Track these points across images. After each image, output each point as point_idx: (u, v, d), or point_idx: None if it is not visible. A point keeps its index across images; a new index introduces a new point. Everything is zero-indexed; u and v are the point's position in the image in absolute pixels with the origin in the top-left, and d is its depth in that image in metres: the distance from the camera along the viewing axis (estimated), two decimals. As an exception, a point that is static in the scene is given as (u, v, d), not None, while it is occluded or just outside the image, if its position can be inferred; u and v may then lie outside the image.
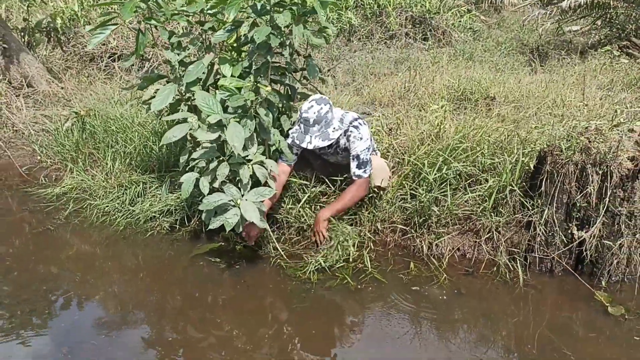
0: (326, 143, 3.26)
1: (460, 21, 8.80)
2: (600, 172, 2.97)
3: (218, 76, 3.51)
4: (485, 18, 9.72)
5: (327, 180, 3.62)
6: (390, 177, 3.55)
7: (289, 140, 3.42)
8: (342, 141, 3.43)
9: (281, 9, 3.19)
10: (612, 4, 7.72)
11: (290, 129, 3.50)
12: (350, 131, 3.35)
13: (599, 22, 8.28)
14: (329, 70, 6.58)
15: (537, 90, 5.23)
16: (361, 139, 3.32)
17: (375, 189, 3.52)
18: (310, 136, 3.26)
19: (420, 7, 8.52)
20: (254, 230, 3.38)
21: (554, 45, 8.23)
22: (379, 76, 6.31)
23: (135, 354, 2.66)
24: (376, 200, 3.57)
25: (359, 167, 3.33)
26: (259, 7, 3.21)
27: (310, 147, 3.26)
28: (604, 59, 6.80)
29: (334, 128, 3.28)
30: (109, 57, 6.49)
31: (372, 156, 3.43)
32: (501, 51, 7.79)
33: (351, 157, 3.35)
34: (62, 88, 5.71)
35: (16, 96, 5.51)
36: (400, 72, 6.33)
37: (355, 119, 3.38)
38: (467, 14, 9.03)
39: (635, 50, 7.28)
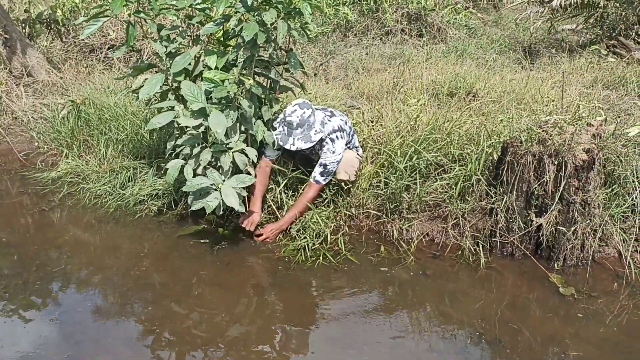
0: (308, 145, 3.49)
1: (456, 18, 8.96)
2: (556, 162, 3.16)
3: (204, 67, 3.70)
4: (482, 15, 9.87)
5: (304, 169, 3.82)
6: (356, 172, 3.74)
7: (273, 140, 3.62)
8: (318, 146, 3.65)
9: (267, 7, 3.39)
10: (602, 3, 7.87)
11: (270, 119, 3.70)
12: (326, 142, 3.56)
13: (591, 21, 8.43)
14: (321, 64, 6.76)
15: (517, 86, 5.42)
16: (333, 152, 3.54)
17: (341, 182, 3.73)
18: (294, 138, 3.48)
19: (417, 4, 8.66)
20: (248, 217, 3.59)
21: (547, 44, 8.39)
22: (370, 71, 6.48)
23: (118, 322, 2.89)
24: (351, 187, 3.77)
25: (322, 174, 3.56)
26: (249, 3, 3.41)
27: (293, 148, 3.49)
28: (591, 58, 6.97)
29: (316, 131, 3.49)
30: (108, 48, 6.70)
31: (345, 152, 3.64)
32: (494, 48, 7.95)
33: (318, 163, 3.58)
34: (61, 78, 5.93)
35: (16, 85, 5.73)
36: (392, 67, 6.49)
37: (335, 131, 3.57)
38: (463, 11, 9.19)
39: (623, 49, 7.43)
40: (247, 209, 3.62)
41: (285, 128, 3.51)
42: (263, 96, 3.71)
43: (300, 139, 3.48)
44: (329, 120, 3.61)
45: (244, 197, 3.52)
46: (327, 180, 3.60)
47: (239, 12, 3.44)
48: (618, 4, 7.88)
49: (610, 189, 3.40)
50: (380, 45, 7.82)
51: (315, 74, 6.23)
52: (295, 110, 3.47)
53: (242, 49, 3.51)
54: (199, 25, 3.70)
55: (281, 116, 3.59)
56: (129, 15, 3.50)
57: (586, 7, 8.06)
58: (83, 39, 6.65)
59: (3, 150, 5.23)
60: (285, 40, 3.75)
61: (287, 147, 3.51)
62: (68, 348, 2.68)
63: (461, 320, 2.93)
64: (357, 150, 3.86)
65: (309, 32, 3.71)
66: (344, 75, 6.41)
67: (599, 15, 8.09)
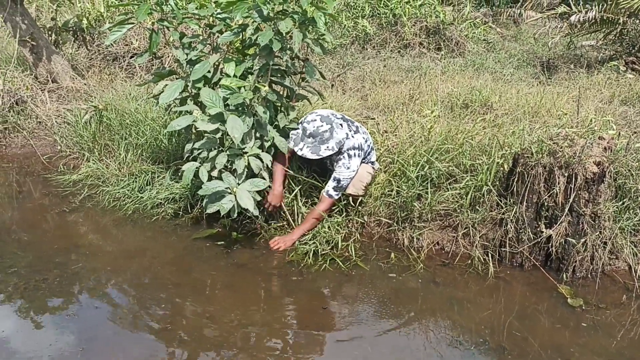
0: (314, 157, 3.54)
1: (474, 32, 9.00)
2: (566, 174, 3.19)
3: (222, 75, 3.80)
4: (501, 30, 9.89)
5: (318, 178, 3.88)
6: (365, 187, 3.77)
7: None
8: (334, 157, 3.70)
9: (283, 17, 3.49)
10: (622, 20, 7.86)
11: (286, 126, 3.77)
12: (344, 157, 3.61)
13: (610, 38, 8.42)
14: (338, 75, 6.85)
15: (533, 100, 5.44)
16: (348, 168, 3.60)
17: (349, 197, 3.77)
18: (304, 145, 3.55)
19: (435, 17, 8.72)
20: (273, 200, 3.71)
21: (566, 59, 8.39)
22: (387, 83, 6.54)
23: (132, 321, 2.96)
24: (362, 197, 3.83)
25: (335, 188, 3.62)
26: (264, 13, 3.52)
27: (300, 153, 3.57)
28: (610, 74, 6.96)
29: (327, 147, 3.52)
30: (131, 56, 6.86)
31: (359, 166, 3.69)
32: (511, 63, 7.97)
33: (332, 177, 3.63)
34: (84, 84, 6.08)
35: (41, 90, 5.89)
36: (409, 80, 6.54)
37: (354, 148, 3.60)
38: (482, 26, 9.23)
39: (642, 65, 7.42)
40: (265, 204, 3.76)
41: (300, 132, 3.58)
42: (279, 104, 3.80)
43: (309, 148, 3.54)
44: (353, 137, 3.63)
45: (259, 200, 3.60)
46: (339, 195, 3.66)
47: (256, 21, 3.55)
48: (638, 21, 7.87)
49: (620, 202, 3.41)
50: (398, 58, 7.88)
51: (332, 85, 6.31)
52: (315, 120, 3.53)
53: (257, 57, 3.61)
54: (219, 34, 3.81)
55: (294, 112, 3.67)
56: (153, 23, 3.62)
57: (605, 23, 8.05)
58: (107, 47, 6.82)
59: (27, 153, 5.40)
60: (303, 50, 3.84)
61: (296, 149, 3.58)
62: (83, 343, 2.77)
63: (468, 327, 2.96)
64: (372, 165, 3.89)
65: (325, 45, 3.80)
66: (361, 87, 6.48)
67: (618, 31, 8.07)
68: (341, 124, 3.63)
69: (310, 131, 3.50)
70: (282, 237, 3.71)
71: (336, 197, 3.65)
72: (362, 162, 3.75)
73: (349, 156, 3.60)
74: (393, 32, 8.62)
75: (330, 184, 3.63)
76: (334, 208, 3.78)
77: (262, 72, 3.64)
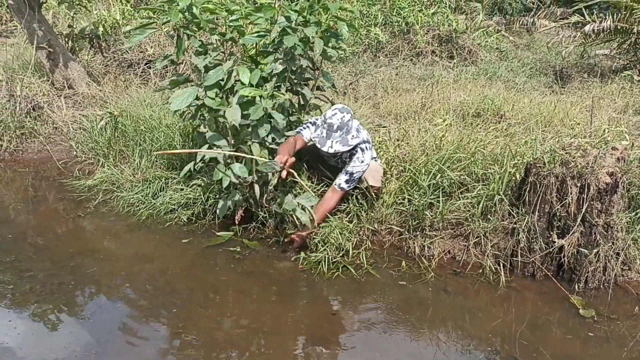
0: (346, 149, 3.58)
1: (487, 41, 8.99)
2: (579, 184, 3.19)
3: (235, 83, 3.82)
4: (514, 39, 9.87)
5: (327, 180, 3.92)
6: (382, 177, 3.83)
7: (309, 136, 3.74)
8: (346, 154, 3.75)
9: (306, 25, 3.63)
10: (636, 29, 7.83)
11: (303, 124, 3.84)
12: (357, 151, 3.67)
13: (625, 47, 8.39)
14: (350, 83, 6.88)
15: (546, 109, 5.44)
16: (362, 162, 3.65)
17: (370, 188, 3.79)
18: (332, 141, 3.58)
19: (448, 26, 8.73)
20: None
21: (579, 68, 8.36)
22: (399, 91, 6.56)
23: (145, 324, 3.01)
24: (375, 203, 3.85)
25: (347, 181, 3.65)
26: (291, 18, 3.66)
27: (331, 151, 3.59)
28: (623, 83, 6.93)
29: (353, 136, 3.59)
30: (146, 63, 6.93)
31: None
32: (524, 72, 7.96)
33: (344, 171, 3.66)
34: (100, 91, 6.16)
35: (58, 96, 5.98)
36: (421, 88, 6.56)
37: (365, 142, 3.69)
38: (495, 34, 9.22)
39: (656, 75, 7.37)
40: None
41: (325, 131, 3.60)
42: (294, 111, 3.85)
43: (338, 142, 3.57)
44: (363, 130, 3.72)
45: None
46: (350, 188, 3.69)
47: (279, 26, 3.63)
48: (652, 30, 7.84)
49: (633, 213, 3.41)
50: (410, 66, 7.89)
51: (345, 93, 6.33)
52: (336, 113, 3.58)
53: (277, 62, 3.67)
54: (233, 42, 3.85)
55: (320, 118, 3.70)
56: (175, 29, 3.65)
57: (619, 32, 8.02)
58: (123, 53, 6.91)
59: (43, 158, 5.47)
60: (318, 59, 3.92)
61: (325, 149, 3.60)
62: (96, 346, 2.81)
63: (478, 336, 2.96)
64: (375, 160, 3.94)
65: (338, 53, 3.87)
66: (373, 95, 6.50)
67: (633, 41, 8.04)
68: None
69: (337, 124, 3.55)
70: (296, 233, 3.73)
71: (347, 190, 3.68)
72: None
73: (362, 150, 3.66)
74: (405, 40, 8.63)
75: (342, 177, 3.67)
76: (345, 212, 3.79)
77: (280, 78, 3.69)
